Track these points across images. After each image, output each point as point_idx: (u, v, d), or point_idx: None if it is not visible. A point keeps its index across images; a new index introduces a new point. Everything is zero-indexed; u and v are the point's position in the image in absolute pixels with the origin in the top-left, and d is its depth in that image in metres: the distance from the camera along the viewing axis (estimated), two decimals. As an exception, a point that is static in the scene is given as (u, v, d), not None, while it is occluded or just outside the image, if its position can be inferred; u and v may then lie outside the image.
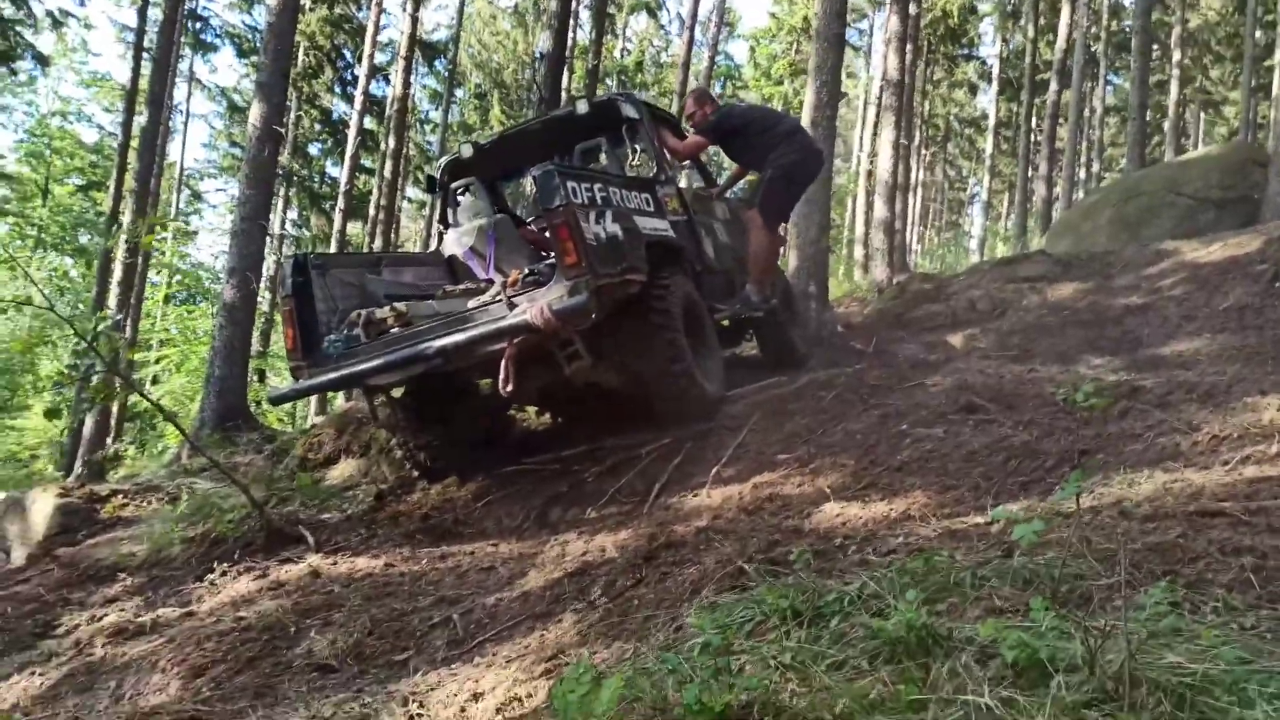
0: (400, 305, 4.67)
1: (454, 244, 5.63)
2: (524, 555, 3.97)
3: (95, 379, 5.75)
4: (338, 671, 3.06)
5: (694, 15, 24.45)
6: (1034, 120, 28.24)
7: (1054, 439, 3.37)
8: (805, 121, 7.90)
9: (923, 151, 40.06)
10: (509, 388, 4.20)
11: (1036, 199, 22.66)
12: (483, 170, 5.85)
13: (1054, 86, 22.58)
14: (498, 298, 4.39)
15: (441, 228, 5.94)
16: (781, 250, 7.07)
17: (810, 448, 4.11)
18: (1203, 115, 35.20)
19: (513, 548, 4.17)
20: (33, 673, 3.66)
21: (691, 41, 24.82)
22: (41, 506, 6.26)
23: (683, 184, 5.96)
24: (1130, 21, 24.14)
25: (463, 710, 2.26)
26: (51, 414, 8.75)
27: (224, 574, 4.44)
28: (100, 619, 4.19)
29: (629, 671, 1.35)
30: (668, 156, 5.70)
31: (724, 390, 5.06)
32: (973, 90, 39.02)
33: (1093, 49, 28.51)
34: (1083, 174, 33.86)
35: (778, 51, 33.25)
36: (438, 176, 6.03)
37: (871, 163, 18.36)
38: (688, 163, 6.37)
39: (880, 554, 2.11)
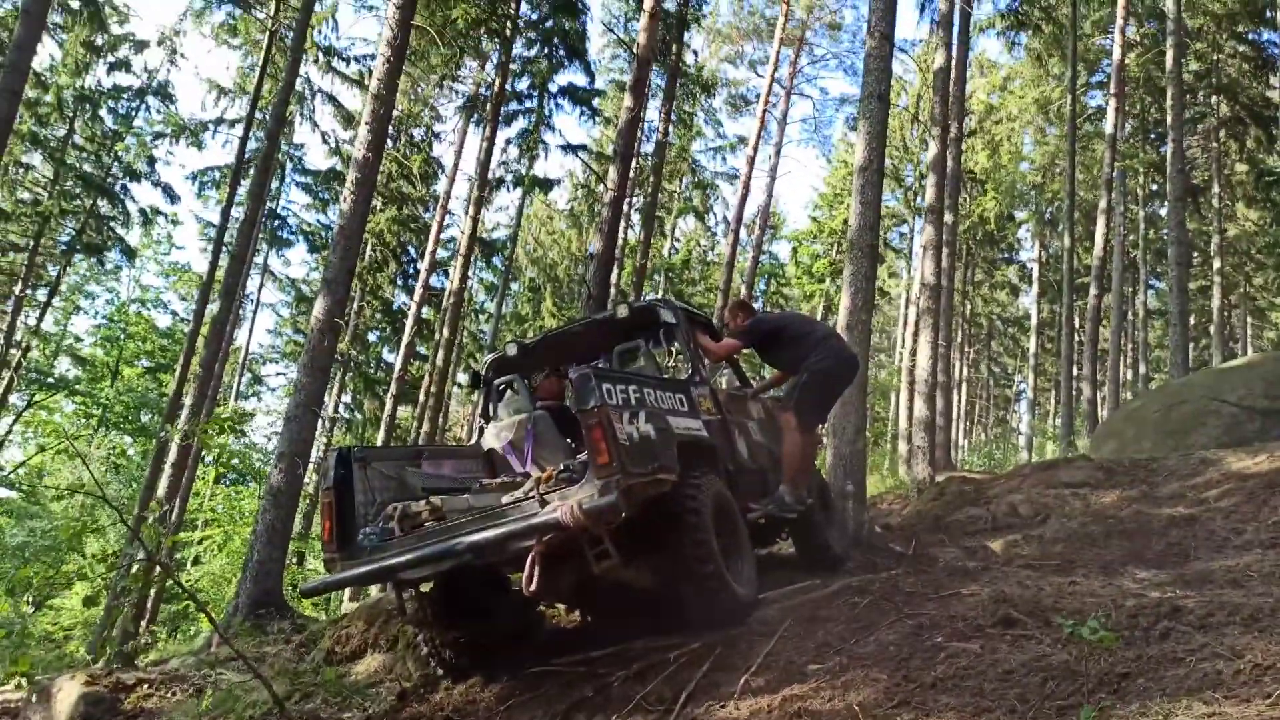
0: (436, 499, 4.77)
1: (493, 438, 5.79)
2: (545, 769, 3.83)
3: (136, 568, 5.85)
4: None
5: (739, 219, 25.78)
6: (1076, 321, 28.62)
7: (1094, 659, 3.25)
8: (841, 326, 8.15)
9: (966, 349, 40.58)
10: (532, 587, 4.20)
11: (1083, 399, 22.55)
12: (526, 368, 6.11)
13: (1094, 291, 23.01)
14: (530, 494, 4.47)
15: (482, 422, 6.13)
16: (818, 449, 7.11)
17: (842, 659, 3.99)
18: (1249, 319, 35.32)
19: (534, 759, 4.03)
20: None
21: (736, 242, 26.04)
22: (66, 695, 6.20)
23: (719, 385, 6.13)
24: (1165, 230, 24.82)
25: None
26: (89, 601, 8.81)
27: (240, 776, 4.33)
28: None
29: None
30: (703, 358, 5.91)
31: (756, 593, 4.98)
32: (1014, 291, 39.96)
33: (1131, 255, 29.22)
34: (1129, 374, 33.77)
35: (819, 251, 34.64)
36: (482, 372, 6.30)
37: (912, 360, 18.62)
38: (724, 365, 6.57)
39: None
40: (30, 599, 17.63)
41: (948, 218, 15.32)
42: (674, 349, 5.83)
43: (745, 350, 6.49)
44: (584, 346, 6.18)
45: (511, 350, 6.15)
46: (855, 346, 7.35)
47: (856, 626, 4.42)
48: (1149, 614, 3.58)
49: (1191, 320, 27.28)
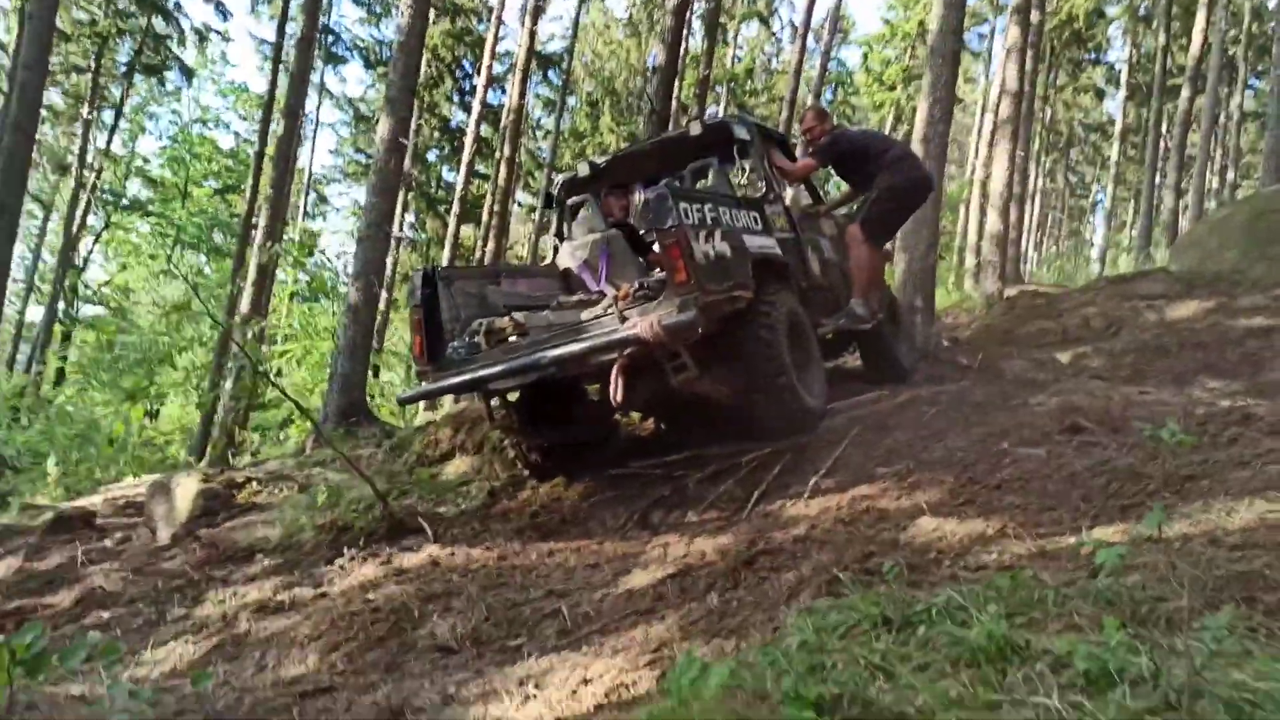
0: (519, 315, 4.97)
1: (568, 257, 5.91)
2: (627, 555, 4.18)
3: (242, 376, 6.27)
4: (458, 653, 3.33)
5: (807, 23, 24.36)
6: (1164, 126, 27.00)
7: (1159, 463, 3.37)
8: (916, 137, 7.91)
9: (1043, 158, 38.78)
10: (619, 397, 4.43)
11: (1164, 209, 21.65)
12: (599, 188, 6.13)
13: (1186, 93, 21.57)
14: (609, 310, 4.63)
15: (557, 241, 6.24)
16: (888, 265, 7.10)
17: (909, 463, 4.18)
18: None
19: (616, 547, 4.38)
20: (186, 641, 4.06)
21: (804, 48, 24.74)
22: (185, 490, 6.83)
23: (789, 201, 6.08)
24: (1274, 24, 22.80)
25: (574, 693, 2.48)
26: (201, 405, 9.48)
27: (351, 559, 4.80)
28: (243, 596, 4.60)
29: (732, 664, 1.52)
30: (776, 176, 5.85)
31: (825, 403, 5.16)
32: (1099, 95, 37.54)
33: (1230, 53, 27.07)
34: (1215, 183, 32.10)
35: (891, 57, 32.73)
36: (555, 193, 6.34)
37: (986, 172, 17.93)
38: (795, 184, 6.49)
39: (971, 570, 2.22)
40: (145, 406, 18.94)
41: (1034, 16, 14.30)
42: (747, 166, 5.77)
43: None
44: (656, 165, 6.14)
45: (583, 169, 6.15)
46: (930, 159, 7.17)
47: (924, 434, 4.59)
48: (1218, 420, 3.65)
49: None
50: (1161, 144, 26.47)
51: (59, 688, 3.13)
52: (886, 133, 24.20)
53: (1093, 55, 34.48)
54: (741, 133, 5.65)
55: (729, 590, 3.14)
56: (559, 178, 6.55)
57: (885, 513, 3.65)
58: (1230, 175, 32.04)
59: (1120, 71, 32.38)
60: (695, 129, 5.72)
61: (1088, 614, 1.58)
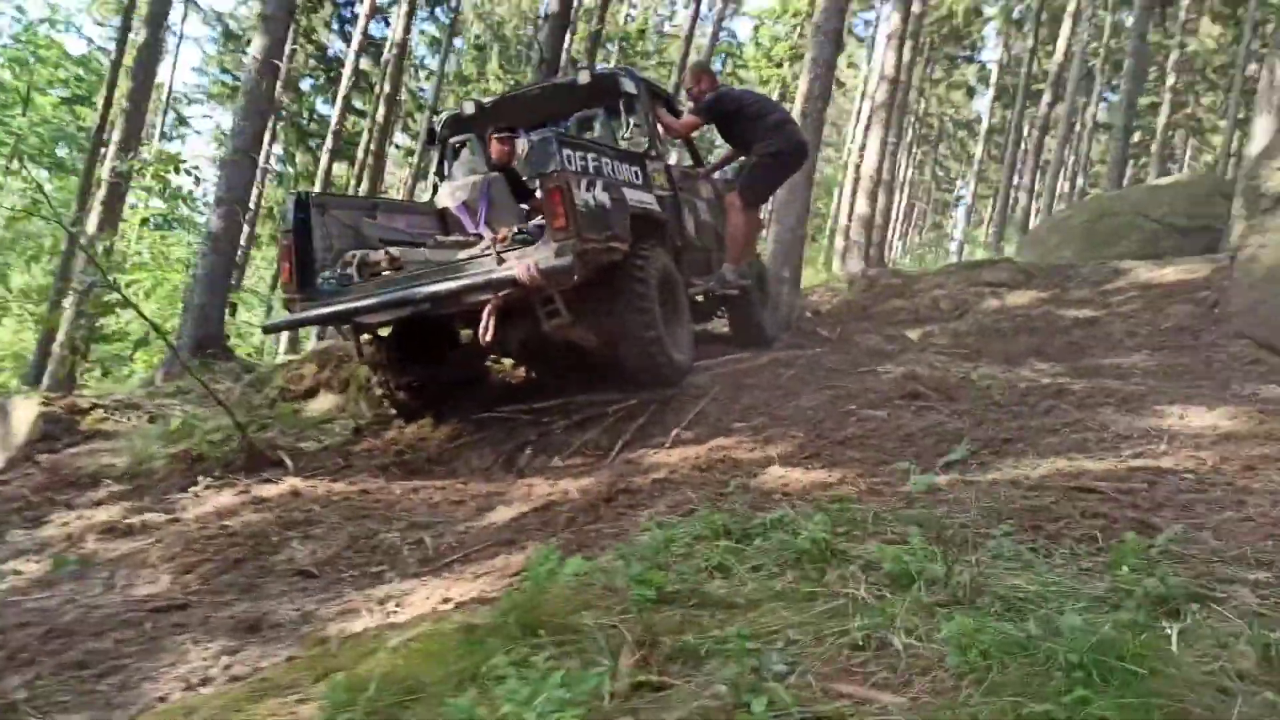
0: (394, 250, 4.93)
1: (448, 197, 5.87)
2: (492, 493, 4.27)
3: (92, 296, 5.94)
4: (318, 578, 3.35)
5: (701, -11, 24.50)
6: (1026, 129, 28.68)
7: (984, 428, 3.72)
8: (796, 111, 8.18)
9: (914, 150, 40.48)
10: (489, 337, 4.48)
11: (1018, 208, 23.12)
12: (482, 128, 6.08)
13: (1047, 98, 22.98)
14: (488, 251, 4.66)
15: (437, 180, 6.17)
16: (760, 234, 7.37)
17: (764, 419, 4.44)
18: (1190, 141, 35.84)
19: (482, 486, 4.47)
20: (28, 560, 3.91)
21: (697, 15, 24.94)
22: (23, 414, 6.44)
23: (672, 161, 6.22)
24: (1129, 40, 24.53)
25: (435, 609, 2.57)
26: (44, 323, 8.86)
27: (207, 488, 4.70)
28: (89, 519, 4.44)
29: (586, 561, 1.66)
30: (661, 133, 5.96)
31: (691, 360, 5.37)
32: (970, 93, 39.38)
33: (1090, 64, 28.94)
34: (1067, 187, 34.39)
35: (781, 34, 33.29)
36: (438, 130, 6.26)
37: (860, 155, 18.65)
38: (678, 141, 6.63)
39: (808, 504, 2.44)
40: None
41: (916, 7, 14.91)
42: (632, 121, 5.85)
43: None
44: (542, 110, 6.15)
45: (469, 109, 6.09)
46: (808, 134, 7.45)
47: (780, 394, 4.86)
48: (1037, 393, 4.05)
49: (1135, 137, 27.59)
50: (1021, 146, 28.15)
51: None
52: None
53: (968, 53, 36.13)
54: (629, 86, 5.73)
55: (589, 524, 3.29)
56: (443, 115, 6.47)
57: (739, 462, 3.88)
58: (1080, 181, 34.38)
59: (991, 71, 34.10)
60: (584, 78, 5.76)
61: (900, 531, 1.80)
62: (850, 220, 16.41)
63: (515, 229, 5.01)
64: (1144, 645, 1.25)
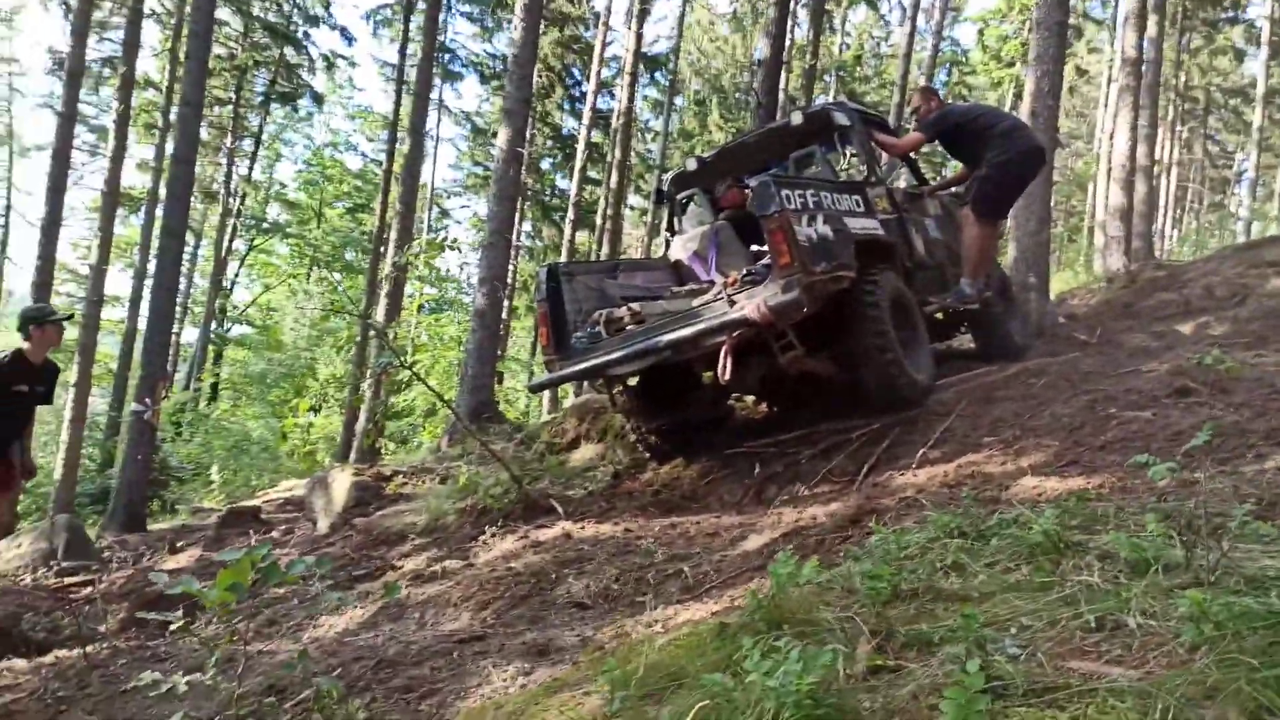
0: (635, 305, 5.32)
1: (679, 249, 6.24)
2: (744, 524, 4.46)
3: (386, 378, 6.83)
4: (592, 608, 3.70)
5: (916, 3, 23.94)
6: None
7: (1265, 419, 3.42)
8: (1025, 111, 7.86)
9: (1178, 128, 36.64)
10: (728, 376, 4.72)
11: (1314, 174, 20.25)
12: (706, 181, 6.43)
13: (1334, 47, 20.13)
14: (719, 296, 4.92)
15: (669, 235, 6.57)
16: (999, 244, 7.10)
17: (1015, 431, 4.31)
18: None
19: (734, 518, 4.67)
20: (355, 608, 4.59)
21: (914, 31, 24.34)
22: (341, 484, 7.53)
23: (898, 184, 6.21)
24: None
25: (695, 625, 2.79)
26: (357, 402, 10.28)
27: (493, 536, 5.27)
28: (399, 569, 5.13)
29: (827, 570, 1.80)
30: (880, 156, 6.00)
31: (933, 379, 5.30)
32: (1238, 57, 35.21)
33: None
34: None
35: (1009, 32, 31.63)
36: (665, 189, 6.68)
37: (1112, 144, 17.25)
38: (901, 164, 6.60)
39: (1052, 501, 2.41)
40: (309, 409, 20.57)
41: (1155, -21, 13.77)
42: (849, 150, 5.95)
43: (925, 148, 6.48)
44: (760, 156, 6.40)
45: (691, 165, 6.47)
46: (1041, 134, 7.14)
47: (1032, 404, 4.69)
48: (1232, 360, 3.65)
49: None
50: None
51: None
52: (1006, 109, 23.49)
53: (1230, 13, 32.41)
54: (841, 119, 5.84)
55: (837, 544, 3.39)
56: (668, 174, 6.89)
57: (990, 476, 3.81)
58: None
59: (1261, 29, 30.31)
60: (796, 118, 5.94)
61: (1142, 523, 1.78)
62: (1107, 214, 15.21)
63: (745, 270, 5.25)
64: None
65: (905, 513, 3.51)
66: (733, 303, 4.74)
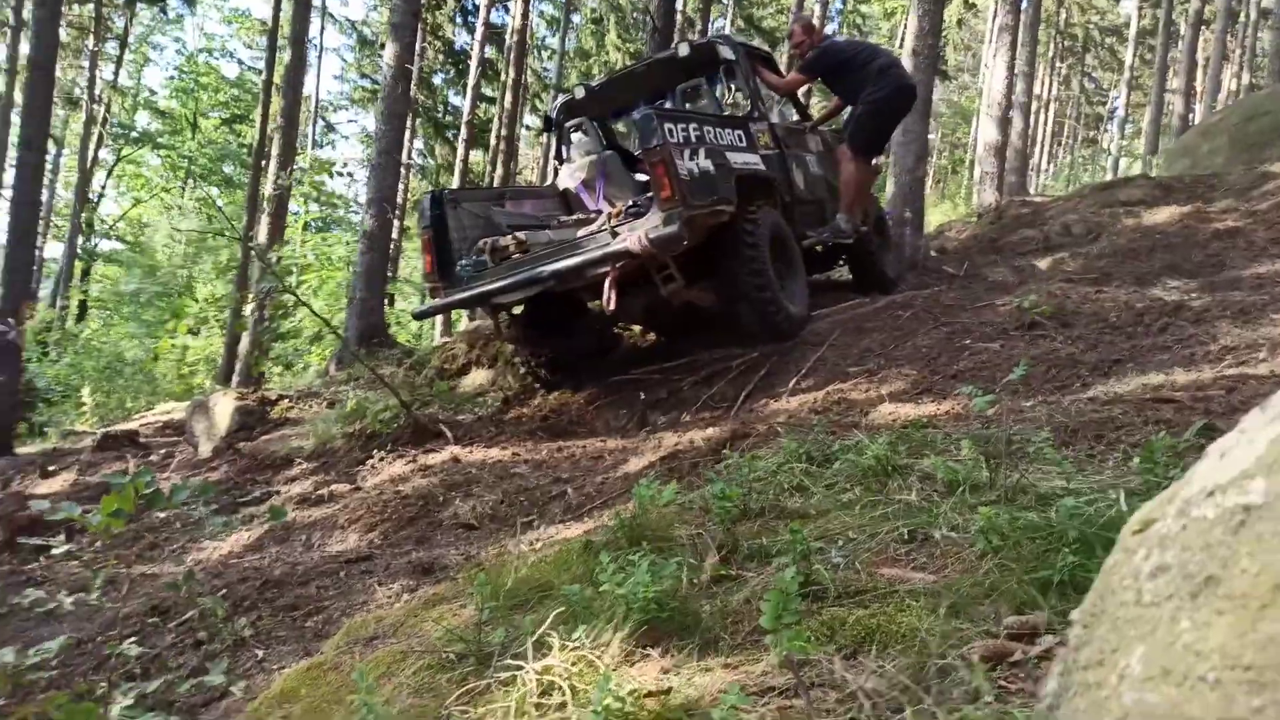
0: (520, 234, 5.36)
1: (567, 178, 6.26)
2: (627, 448, 4.66)
3: (269, 302, 6.70)
4: (478, 529, 3.84)
5: (812, -71, 23.84)
6: (1182, 26, 26.46)
7: (1096, 351, 3.77)
8: (906, 49, 8.10)
9: (1058, 65, 38.04)
10: (612, 306, 4.84)
11: (1173, 114, 21.50)
12: (594, 110, 6.42)
13: (1199, -9, 21.20)
14: (603, 227, 5.01)
15: (556, 163, 6.57)
16: (875, 179, 7.37)
17: (880, 360, 4.61)
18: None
19: (618, 443, 4.86)
20: (240, 531, 4.60)
21: (811, -44, 24.26)
22: (223, 408, 7.37)
23: (775, 119, 6.35)
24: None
25: (567, 543, 2.96)
26: (239, 326, 9.97)
27: (381, 460, 5.32)
28: (285, 493, 5.14)
29: (684, 492, 1.97)
30: (763, 92, 6.12)
31: (808, 310, 5.56)
32: (1114, -4, 36.67)
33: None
34: (1232, 85, 31.54)
35: (902, -36, 31.95)
36: (553, 116, 6.65)
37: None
38: (784, 98, 6.74)
39: (893, 429, 2.66)
40: (187, 330, 19.71)
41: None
42: (734, 85, 6.04)
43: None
44: (647, 86, 6.42)
45: (579, 93, 6.45)
46: (920, 73, 7.39)
47: (897, 335, 5.00)
48: (1154, 312, 4.04)
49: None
50: (1176, 46, 26.01)
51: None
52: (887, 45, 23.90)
53: (1108, -46, 33.59)
54: (727, 53, 5.92)
55: (710, 467, 3.60)
56: (556, 101, 6.84)
57: (853, 403, 4.09)
58: (1246, 79, 31.45)
59: (1136, -30, 31.59)
60: (683, 50, 5.98)
61: (964, 448, 2.01)
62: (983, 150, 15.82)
63: (629, 202, 5.34)
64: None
65: (774, 437, 3.75)
66: (615, 234, 4.84)
